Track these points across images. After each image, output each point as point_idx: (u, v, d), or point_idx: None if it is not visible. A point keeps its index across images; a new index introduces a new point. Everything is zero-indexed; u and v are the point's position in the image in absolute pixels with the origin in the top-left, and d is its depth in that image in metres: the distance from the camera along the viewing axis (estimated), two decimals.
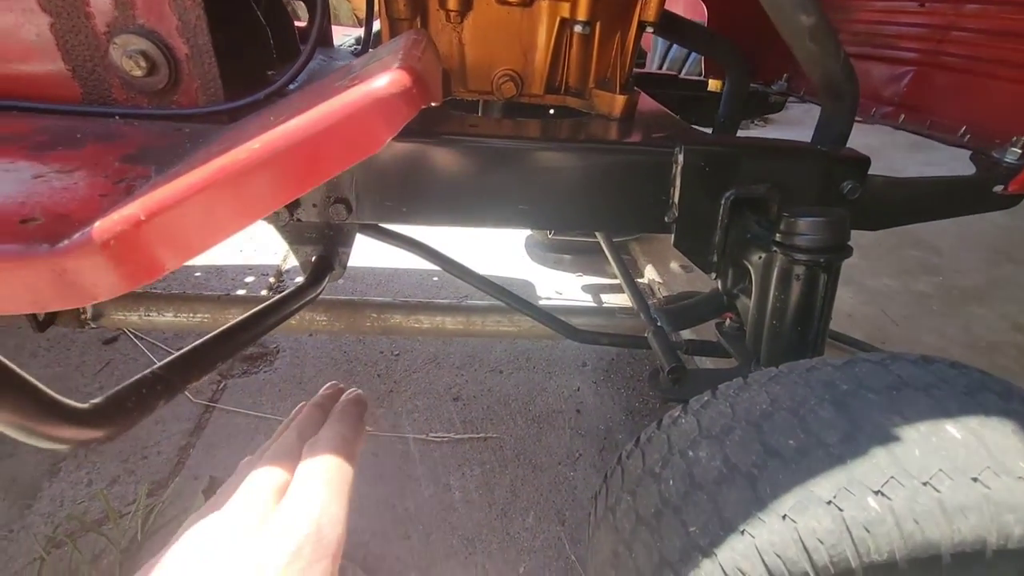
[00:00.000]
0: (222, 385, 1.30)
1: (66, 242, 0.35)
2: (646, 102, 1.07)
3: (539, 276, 1.88)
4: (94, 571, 0.91)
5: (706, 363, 1.17)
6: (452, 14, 0.77)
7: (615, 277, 1.87)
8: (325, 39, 1.23)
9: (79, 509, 1.00)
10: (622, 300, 1.78)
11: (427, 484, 1.08)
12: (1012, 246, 2.28)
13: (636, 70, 1.31)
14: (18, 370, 0.28)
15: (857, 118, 1.11)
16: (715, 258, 0.82)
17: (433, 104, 0.39)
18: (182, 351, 0.45)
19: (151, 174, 0.49)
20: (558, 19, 0.80)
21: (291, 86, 0.82)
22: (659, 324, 0.88)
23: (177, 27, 0.59)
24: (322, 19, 0.62)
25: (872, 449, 0.46)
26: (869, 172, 0.80)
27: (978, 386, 0.51)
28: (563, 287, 1.82)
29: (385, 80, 0.34)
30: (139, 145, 0.55)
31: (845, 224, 0.65)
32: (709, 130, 1.30)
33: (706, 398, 0.59)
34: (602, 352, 1.49)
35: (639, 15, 0.83)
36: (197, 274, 1.73)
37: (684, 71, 2.61)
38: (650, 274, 1.84)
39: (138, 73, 0.59)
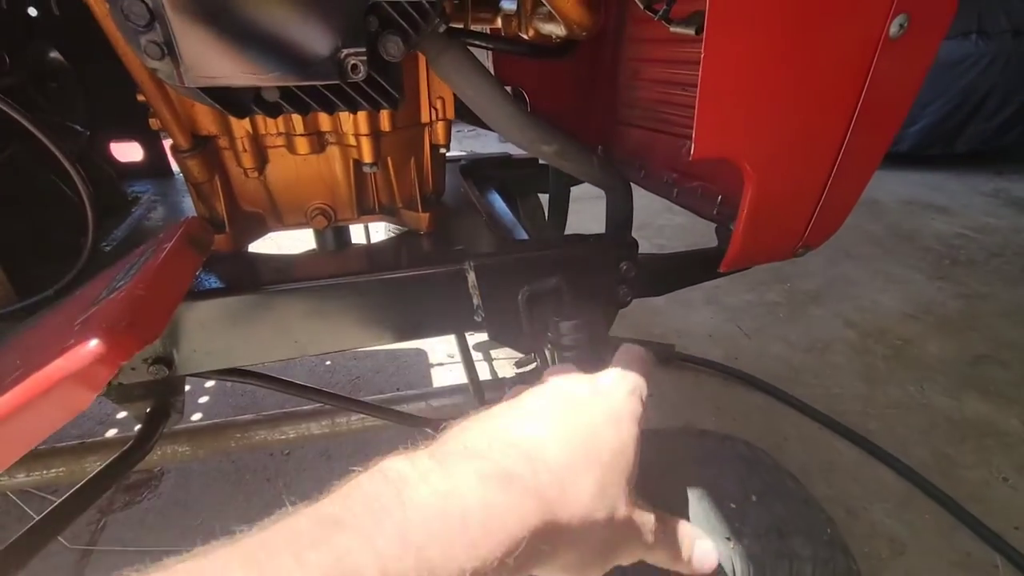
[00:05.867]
0: (101, 523, 1.27)
1: None
2: (465, 200, 1.18)
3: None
4: None
5: None
6: (249, 171, 0.85)
7: None
8: (164, 169, 1.27)
9: None
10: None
11: None
12: (853, 243, 2.60)
13: (473, 157, 1.43)
14: None
15: (650, 191, 1.27)
16: (529, 344, 0.93)
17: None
18: None
19: None
20: (351, 160, 0.89)
21: (106, 247, 0.87)
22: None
23: None
24: (96, 228, 0.68)
25: None
26: (640, 252, 0.95)
27: None
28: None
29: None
30: None
31: (600, 323, 0.78)
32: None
33: None
34: None
35: (430, 142, 0.94)
36: None
37: None
38: None
39: None
